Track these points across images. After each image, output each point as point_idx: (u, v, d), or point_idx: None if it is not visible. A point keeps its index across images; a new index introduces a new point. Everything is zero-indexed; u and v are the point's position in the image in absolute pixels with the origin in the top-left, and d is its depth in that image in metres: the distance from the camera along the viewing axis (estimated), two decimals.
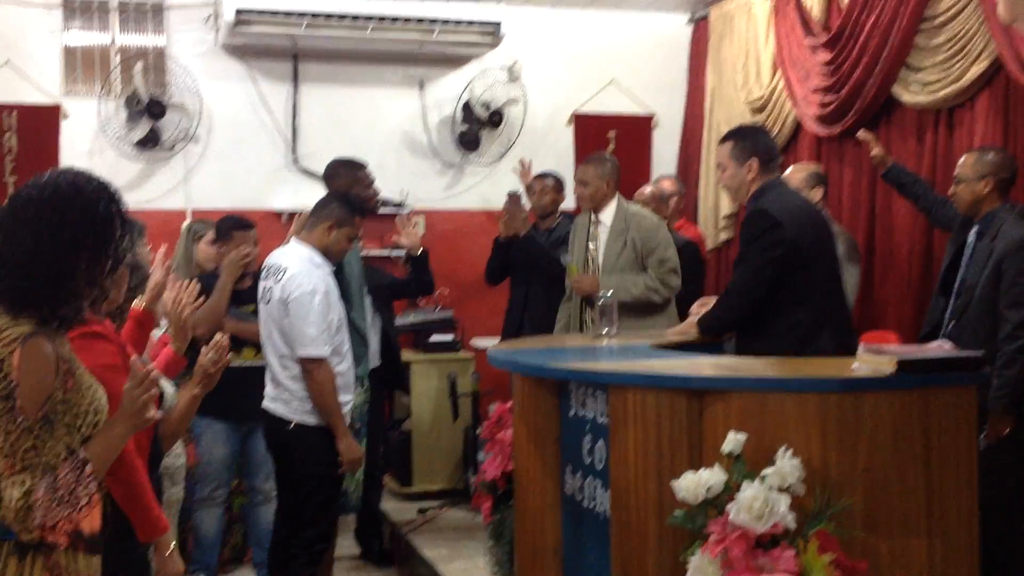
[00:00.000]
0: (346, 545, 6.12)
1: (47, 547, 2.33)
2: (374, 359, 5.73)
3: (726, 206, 7.31)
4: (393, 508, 6.49)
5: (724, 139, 4.21)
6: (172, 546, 3.04)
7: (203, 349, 3.32)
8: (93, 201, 2.40)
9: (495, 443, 4.39)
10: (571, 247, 5.53)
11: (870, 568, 2.83)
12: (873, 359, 3.00)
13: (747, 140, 4.13)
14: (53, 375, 2.32)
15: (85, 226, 2.38)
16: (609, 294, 4.41)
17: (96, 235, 2.40)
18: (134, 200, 7.06)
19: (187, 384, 3.41)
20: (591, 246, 5.41)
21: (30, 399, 2.28)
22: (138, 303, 3.52)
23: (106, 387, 2.82)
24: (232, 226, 5.35)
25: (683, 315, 4.81)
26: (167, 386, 3.31)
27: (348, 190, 4.97)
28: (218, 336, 3.32)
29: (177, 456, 3.66)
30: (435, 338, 6.88)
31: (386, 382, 6.06)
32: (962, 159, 4.60)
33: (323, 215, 4.50)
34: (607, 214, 5.39)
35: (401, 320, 6.86)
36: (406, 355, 6.75)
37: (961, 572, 2.95)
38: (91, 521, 2.33)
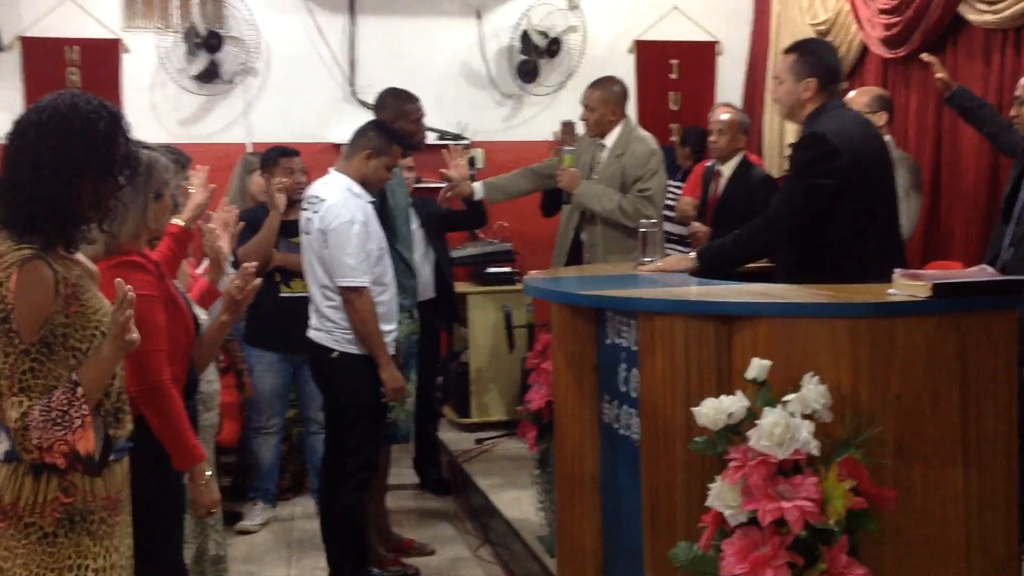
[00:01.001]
0: (405, 474, 6.20)
1: (61, 468, 2.37)
2: (427, 290, 5.73)
3: (791, 135, 7.12)
4: (451, 439, 6.54)
5: (788, 50, 3.97)
6: (208, 475, 3.07)
7: (230, 277, 3.33)
8: (92, 121, 2.40)
9: (540, 373, 4.36)
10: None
11: (902, 496, 2.75)
12: (908, 284, 2.89)
13: (810, 56, 3.86)
14: (51, 298, 2.33)
15: (85, 146, 2.39)
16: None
17: (97, 154, 2.40)
18: (195, 134, 7.18)
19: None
20: (594, 174, 5.34)
21: (26, 322, 2.31)
22: (177, 220, 3.56)
23: (141, 315, 2.86)
24: (279, 153, 5.42)
25: None
26: (200, 313, 3.33)
27: (393, 122, 4.93)
28: (245, 264, 3.32)
29: (210, 382, 3.70)
30: (492, 270, 6.85)
31: (439, 314, 6.07)
32: (1023, 79, 4.41)
33: (360, 144, 4.46)
34: (610, 138, 5.31)
35: (459, 252, 6.86)
36: (464, 287, 6.77)
37: (998, 501, 2.85)
38: (86, 443, 2.33)
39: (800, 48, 3.93)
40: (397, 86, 5.43)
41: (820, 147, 3.65)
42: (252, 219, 5.35)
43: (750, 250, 3.86)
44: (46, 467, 2.36)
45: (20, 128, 2.40)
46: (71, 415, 2.31)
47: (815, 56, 3.85)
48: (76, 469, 2.36)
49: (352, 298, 4.27)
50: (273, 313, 5.26)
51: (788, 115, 4.01)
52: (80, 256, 2.55)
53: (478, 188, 5.74)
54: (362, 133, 4.49)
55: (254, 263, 3.35)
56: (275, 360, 5.48)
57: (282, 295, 5.34)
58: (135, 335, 2.39)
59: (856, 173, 3.64)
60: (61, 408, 2.30)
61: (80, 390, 2.33)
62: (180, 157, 4.06)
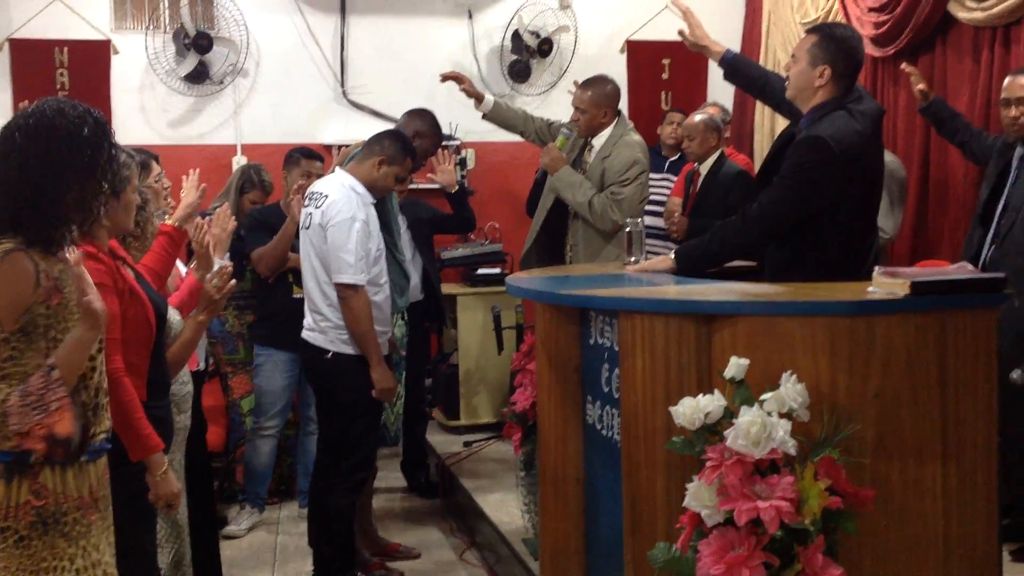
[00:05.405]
0: (393, 477, 6.18)
1: (32, 471, 2.45)
2: (416, 293, 5.71)
3: None
4: (440, 441, 6.51)
5: (812, 31, 3.76)
6: (165, 466, 3.04)
7: (207, 276, 3.31)
8: (77, 126, 2.50)
9: (525, 374, 4.34)
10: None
11: (881, 495, 2.72)
12: (888, 282, 2.86)
13: (831, 44, 3.59)
14: (32, 288, 2.43)
15: (70, 150, 2.49)
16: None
17: (81, 159, 2.50)
18: (185, 135, 7.15)
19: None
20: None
21: (6, 311, 2.41)
22: (170, 220, 3.62)
23: None
24: (302, 154, 5.57)
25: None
26: (173, 314, 3.31)
27: (415, 137, 5.01)
28: (223, 262, 3.30)
29: (183, 384, 3.66)
30: (482, 271, 6.82)
31: (428, 316, 6.05)
32: (1007, 80, 4.40)
33: (375, 150, 4.48)
34: (600, 139, 5.23)
35: (450, 253, 6.84)
36: (454, 288, 6.74)
37: (977, 499, 2.83)
38: (64, 425, 2.42)
39: (823, 32, 3.68)
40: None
41: (818, 152, 3.49)
42: (266, 219, 5.37)
43: (727, 247, 3.72)
44: (17, 471, 2.43)
45: (8, 131, 2.52)
46: (47, 399, 2.39)
47: (836, 45, 3.60)
48: (56, 455, 2.44)
49: (348, 295, 4.26)
50: (285, 313, 5.27)
51: (794, 97, 3.76)
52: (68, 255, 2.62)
53: (489, 99, 5.70)
54: (378, 140, 4.53)
55: (230, 263, 3.33)
56: (285, 360, 5.48)
57: (295, 296, 5.34)
58: (97, 303, 2.45)
59: (852, 180, 3.53)
60: (38, 392, 2.39)
61: (56, 373, 2.42)
62: (144, 156, 4.03)
